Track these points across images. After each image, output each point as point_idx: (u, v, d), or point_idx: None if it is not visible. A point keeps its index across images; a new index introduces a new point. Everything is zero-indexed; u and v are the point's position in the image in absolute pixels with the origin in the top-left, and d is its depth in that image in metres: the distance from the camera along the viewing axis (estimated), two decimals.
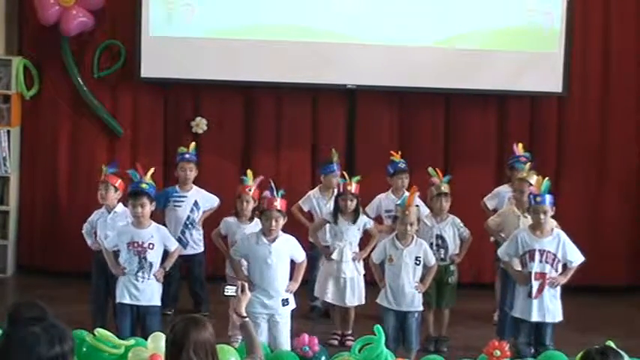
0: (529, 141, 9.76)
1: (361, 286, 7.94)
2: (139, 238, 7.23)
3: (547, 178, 7.40)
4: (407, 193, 7.87)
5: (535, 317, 7.23)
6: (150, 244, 7.24)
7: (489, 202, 8.66)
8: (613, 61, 9.77)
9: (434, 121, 9.84)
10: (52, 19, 9.31)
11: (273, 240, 7.07)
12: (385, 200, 8.53)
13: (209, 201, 8.73)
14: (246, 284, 4.97)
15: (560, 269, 7.28)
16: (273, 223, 7.00)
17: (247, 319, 4.85)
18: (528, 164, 8.24)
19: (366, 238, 8.08)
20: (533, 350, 7.25)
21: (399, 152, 8.69)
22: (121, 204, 7.85)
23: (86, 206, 9.72)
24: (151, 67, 9.46)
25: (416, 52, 9.43)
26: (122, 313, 7.29)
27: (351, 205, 7.86)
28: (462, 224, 8.04)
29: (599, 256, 9.12)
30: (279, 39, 9.42)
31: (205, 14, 9.42)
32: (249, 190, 7.75)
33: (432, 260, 7.51)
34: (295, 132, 9.78)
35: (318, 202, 8.56)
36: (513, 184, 8.35)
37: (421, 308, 7.46)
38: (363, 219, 7.97)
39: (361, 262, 7.97)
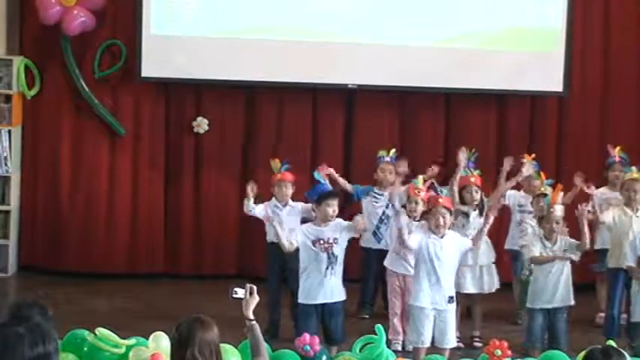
0: (529, 140, 9.78)
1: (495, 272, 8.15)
2: (324, 236, 7.42)
3: None
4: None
5: None
6: (334, 238, 7.41)
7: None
8: (613, 61, 9.79)
9: (434, 120, 9.85)
10: (54, 19, 9.30)
11: (442, 237, 7.28)
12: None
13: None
14: (254, 287, 4.97)
15: None
16: (441, 219, 7.22)
17: (254, 321, 4.85)
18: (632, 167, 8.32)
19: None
20: None
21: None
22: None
23: (87, 206, 9.77)
24: (151, 67, 9.45)
25: (417, 52, 9.44)
26: (307, 315, 7.39)
27: (477, 196, 8.06)
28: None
29: None
30: (281, 39, 9.43)
31: (206, 14, 9.43)
32: (419, 192, 7.87)
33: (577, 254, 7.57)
34: (296, 131, 9.78)
35: None
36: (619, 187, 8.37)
37: (572, 302, 7.56)
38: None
39: (491, 249, 8.18)
